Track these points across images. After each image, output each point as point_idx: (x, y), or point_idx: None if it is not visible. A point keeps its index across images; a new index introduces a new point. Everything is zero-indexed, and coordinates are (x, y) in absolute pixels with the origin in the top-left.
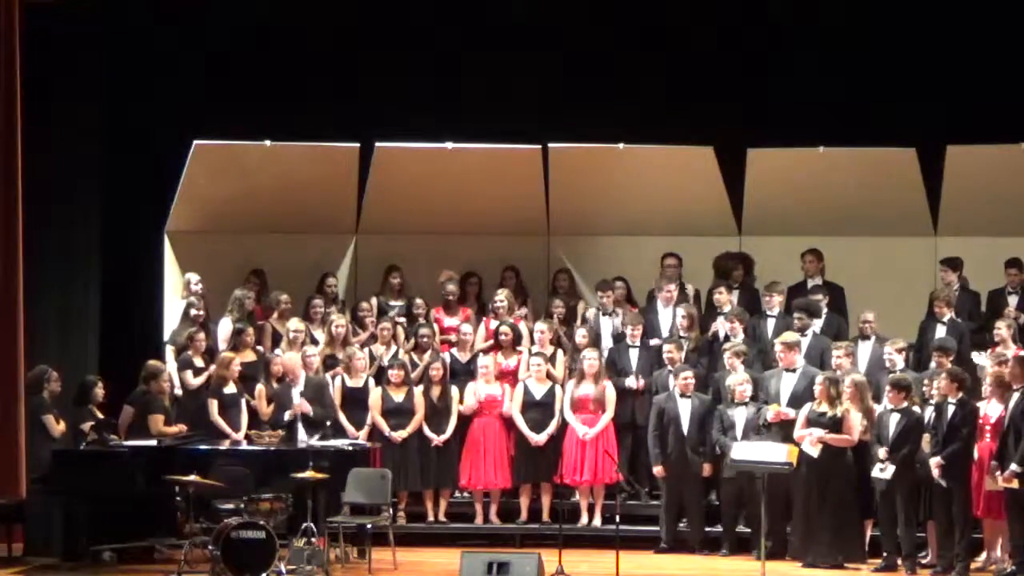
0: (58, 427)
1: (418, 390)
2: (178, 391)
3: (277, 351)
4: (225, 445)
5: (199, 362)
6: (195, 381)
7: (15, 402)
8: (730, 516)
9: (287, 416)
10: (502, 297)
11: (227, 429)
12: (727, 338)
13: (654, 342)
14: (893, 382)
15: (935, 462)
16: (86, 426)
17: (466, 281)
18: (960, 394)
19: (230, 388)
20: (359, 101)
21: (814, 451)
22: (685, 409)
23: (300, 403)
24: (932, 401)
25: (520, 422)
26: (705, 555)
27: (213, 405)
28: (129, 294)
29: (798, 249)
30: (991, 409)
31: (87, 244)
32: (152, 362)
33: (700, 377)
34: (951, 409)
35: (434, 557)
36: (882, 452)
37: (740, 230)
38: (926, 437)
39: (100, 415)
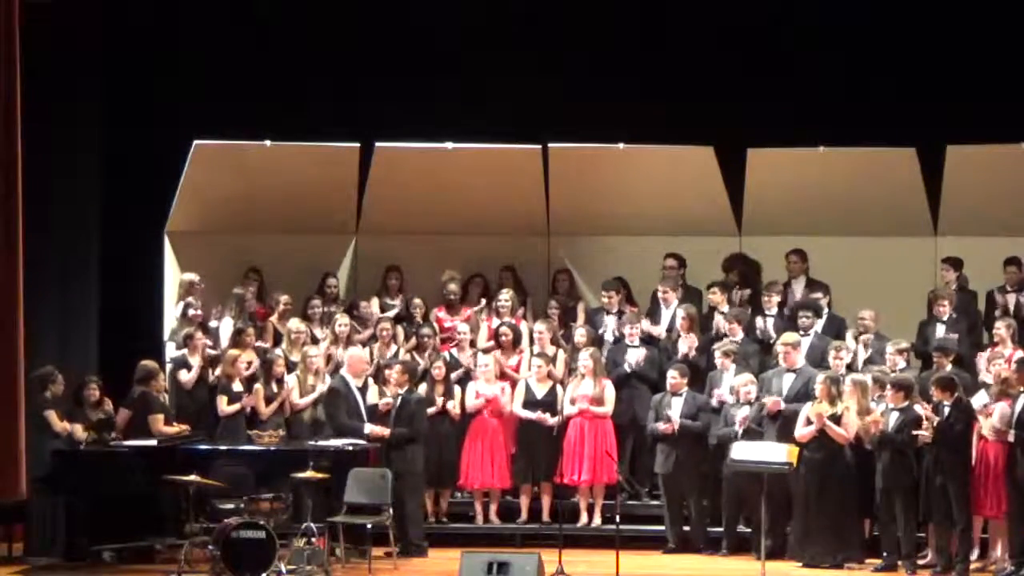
0: (61, 424)
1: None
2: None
3: (277, 351)
4: (225, 445)
5: (195, 362)
6: (186, 378)
7: (15, 402)
8: (730, 516)
9: (368, 431)
10: (506, 297)
11: (236, 406)
12: (724, 337)
13: (655, 330)
14: (894, 382)
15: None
16: (77, 427)
17: (470, 282)
18: (955, 396)
19: (237, 386)
20: (359, 101)
21: (806, 430)
22: (677, 407)
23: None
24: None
25: (526, 413)
26: (705, 555)
27: (222, 401)
28: (129, 294)
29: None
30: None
31: (87, 244)
32: (146, 363)
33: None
34: (946, 411)
35: (434, 557)
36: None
37: (740, 230)
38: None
39: (100, 415)
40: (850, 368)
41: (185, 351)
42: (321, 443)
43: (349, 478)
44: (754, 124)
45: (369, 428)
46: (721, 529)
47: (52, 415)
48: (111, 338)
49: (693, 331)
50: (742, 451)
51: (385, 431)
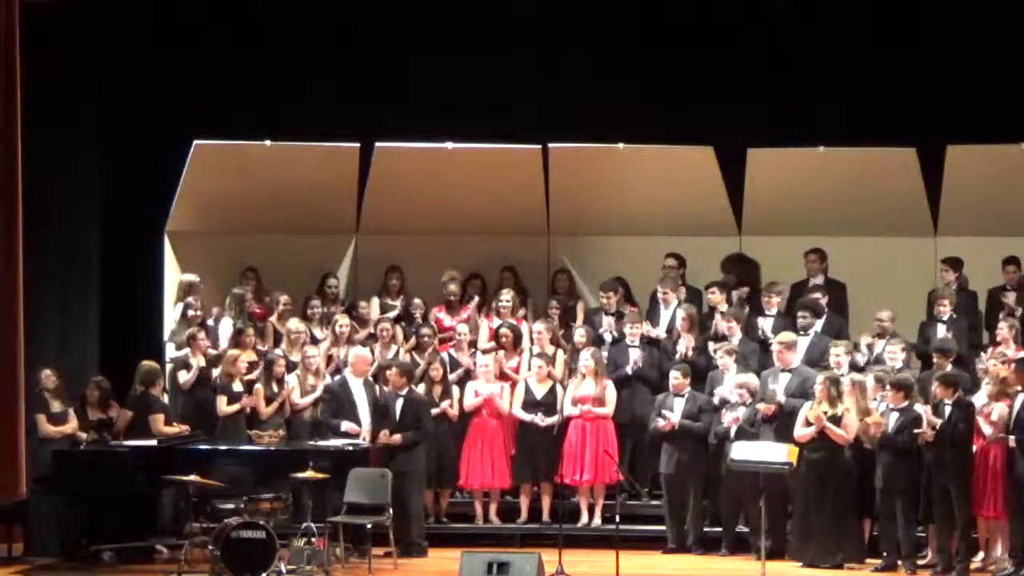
0: (56, 429)
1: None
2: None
3: (278, 351)
4: (225, 445)
5: (196, 362)
6: (185, 379)
7: (15, 402)
8: (729, 516)
9: (344, 428)
10: (507, 298)
11: (236, 407)
12: (724, 337)
13: (654, 332)
14: (894, 382)
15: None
16: (71, 426)
17: (468, 283)
18: (956, 396)
19: (237, 386)
20: (359, 101)
21: (806, 431)
22: (679, 407)
23: (396, 436)
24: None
25: (524, 415)
26: (704, 555)
27: (222, 401)
28: (129, 294)
29: (799, 249)
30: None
31: (87, 244)
32: (147, 363)
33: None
34: (947, 410)
35: (434, 557)
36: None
37: (740, 230)
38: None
39: (101, 416)
40: (861, 369)
41: (187, 351)
42: (321, 443)
43: (349, 478)
44: (754, 124)
45: (346, 426)
46: (720, 529)
47: (41, 419)
48: (111, 338)
49: (692, 331)
50: (742, 451)
51: (396, 437)
